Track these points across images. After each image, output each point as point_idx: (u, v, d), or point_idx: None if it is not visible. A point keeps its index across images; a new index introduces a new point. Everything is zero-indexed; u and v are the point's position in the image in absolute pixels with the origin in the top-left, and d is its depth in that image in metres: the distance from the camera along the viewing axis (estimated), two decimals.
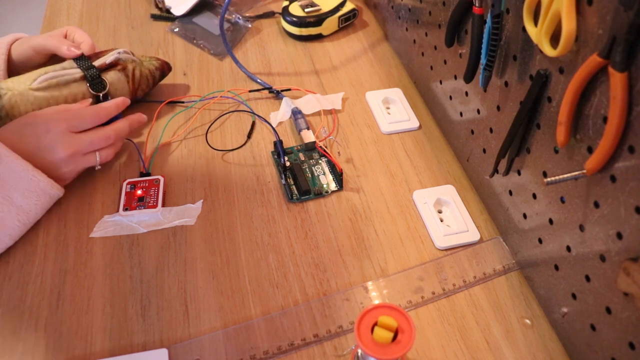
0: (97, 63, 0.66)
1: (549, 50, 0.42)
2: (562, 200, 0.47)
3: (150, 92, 0.72)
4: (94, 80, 0.65)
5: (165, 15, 0.87)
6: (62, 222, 0.60)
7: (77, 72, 0.65)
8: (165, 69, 0.73)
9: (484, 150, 0.60)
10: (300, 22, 0.83)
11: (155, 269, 0.56)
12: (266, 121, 0.71)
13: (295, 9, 0.84)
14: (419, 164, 0.68)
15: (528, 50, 0.48)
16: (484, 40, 0.51)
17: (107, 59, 0.67)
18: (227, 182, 0.64)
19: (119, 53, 0.68)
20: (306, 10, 0.83)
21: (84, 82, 0.65)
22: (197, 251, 0.58)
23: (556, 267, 0.50)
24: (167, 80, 0.76)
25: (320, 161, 0.67)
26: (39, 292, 0.54)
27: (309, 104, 0.73)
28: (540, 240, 0.52)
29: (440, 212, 0.63)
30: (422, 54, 0.73)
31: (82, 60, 0.66)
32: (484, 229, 0.61)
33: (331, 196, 0.64)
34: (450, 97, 0.66)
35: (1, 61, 0.68)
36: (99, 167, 0.62)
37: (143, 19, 0.87)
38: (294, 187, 0.64)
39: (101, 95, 0.66)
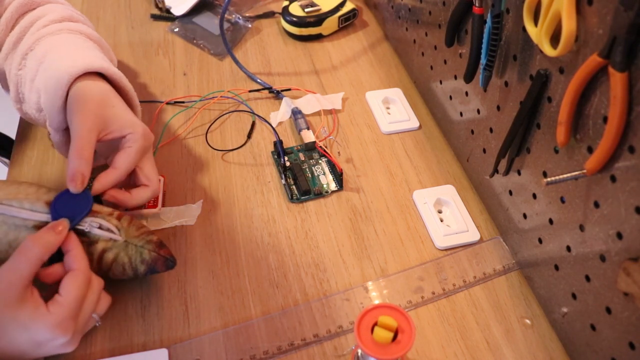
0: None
1: (549, 50, 0.42)
2: (562, 200, 0.47)
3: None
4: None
5: (165, 15, 0.87)
6: None
7: (37, 219, 0.48)
8: (158, 265, 0.50)
9: (484, 150, 0.60)
10: (300, 22, 0.83)
11: None
12: (266, 121, 0.71)
13: (295, 9, 0.84)
14: (419, 164, 0.68)
15: (528, 50, 0.48)
16: (484, 40, 0.51)
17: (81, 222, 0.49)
18: (227, 182, 0.64)
19: (99, 227, 0.49)
20: (306, 10, 0.83)
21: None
22: (197, 251, 0.58)
23: (556, 267, 0.50)
24: (167, 80, 0.76)
25: (320, 161, 0.66)
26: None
27: (309, 104, 0.73)
28: (540, 240, 0.52)
29: (440, 212, 0.63)
30: (422, 54, 0.73)
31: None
32: (484, 229, 0.61)
33: (331, 196, 0.64)
34: (450, 97, 0.66)
35: (55, 111, 0.51)
36: (99, 323, 0.49)
37: (143, 19, 0.87)
38: (294, 187, 0.64)
39: None
